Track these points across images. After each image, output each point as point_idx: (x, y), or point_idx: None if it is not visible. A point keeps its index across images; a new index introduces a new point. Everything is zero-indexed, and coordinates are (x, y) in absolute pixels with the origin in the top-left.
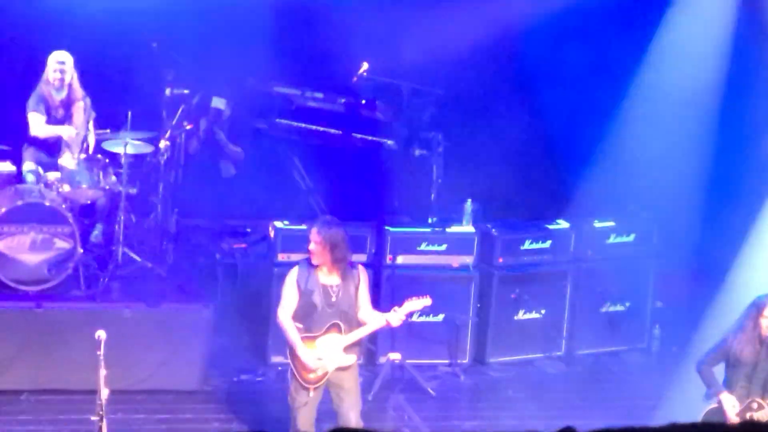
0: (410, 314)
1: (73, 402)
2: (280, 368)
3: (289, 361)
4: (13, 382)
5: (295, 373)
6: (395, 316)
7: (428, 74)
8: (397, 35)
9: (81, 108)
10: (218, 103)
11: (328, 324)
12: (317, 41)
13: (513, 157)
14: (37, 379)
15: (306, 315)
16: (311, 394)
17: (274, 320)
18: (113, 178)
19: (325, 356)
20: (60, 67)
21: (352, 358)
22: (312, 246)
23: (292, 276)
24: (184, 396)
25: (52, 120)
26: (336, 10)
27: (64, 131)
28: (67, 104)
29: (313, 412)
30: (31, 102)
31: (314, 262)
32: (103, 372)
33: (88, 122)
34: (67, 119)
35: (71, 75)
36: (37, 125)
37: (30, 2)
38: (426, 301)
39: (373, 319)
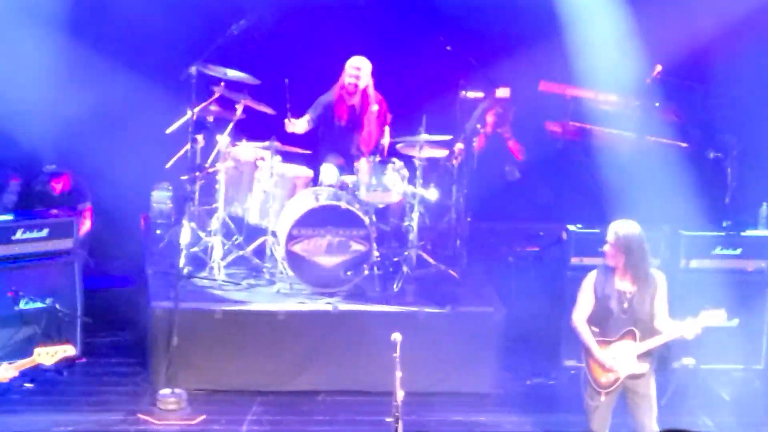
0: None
1: (368, 403)
2: (572, 372)
3: (584, 364)
4: (310, 383)
5: (589, 376)
6: (690, 328)
7: (724, 75)
8: (692, 36)
9: (373, 114)
10: (503, 92)
11: (623, 330)
12: (609, 43)
13: None
14: (333, 380)
15: (601, 320)
16: (603, 398)
17: (567, 324)
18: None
19: (619, 362)
20: (355, 72)
21: (644, 367)
22: (606, 247)
23: (590, 280)
24: (478, 398)
25: (335, 123)
26: (630, 12)
27: (294, 126)
28: (360, 109)
29: (606, 415)
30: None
31: (608, 263)
32: (398, 374)
33: (382, 127)
34: (355, 123)
35: (366, 81)
36: (294, 121)
37: (327, 9)
38: (721, 315)
39: (668, 329)
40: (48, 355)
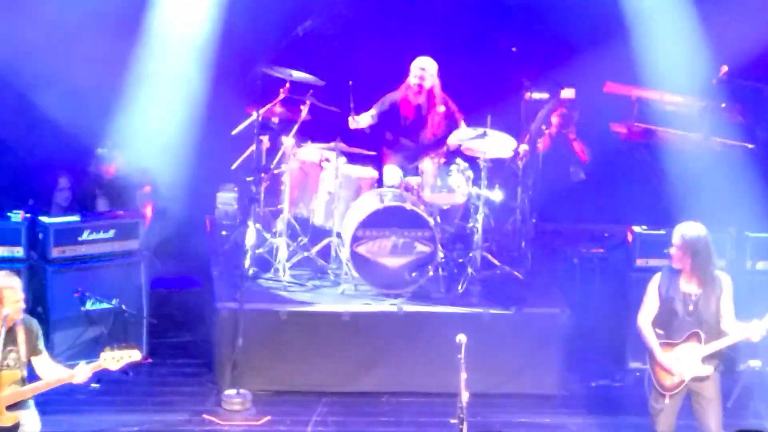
0: None
1: (433, 404)
2: (637, 374)
3: (648, 367)
4: (375, 384)
5: (653, 379)
6: (756, 330)
7: None
8: (758, 36)
9: (439, 114)
10: (568, 93)
11: (688, 332)
12: (674, 44)
13: None
14: (398, 381)
15: (666, 322)
16: (667, 400)
17: (632, 325)
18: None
19: (683, 364)
20: (421, 73)
21: (709, 369)
22: (673, 250)
23: (654, 282)
24: (542, 400)
25: (400, 122)
26: (696, 12)
27: (356, 123)
28: (425, 109)
29: (671, 418)
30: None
31: (674, 266)
32: (463, 375)
33: (448, 128)
34: (419, 123)
35: (432, 82)
36: (357, 118)
37: (393, 9)
38: None
39: (734, 331)
40: (114, 360)
